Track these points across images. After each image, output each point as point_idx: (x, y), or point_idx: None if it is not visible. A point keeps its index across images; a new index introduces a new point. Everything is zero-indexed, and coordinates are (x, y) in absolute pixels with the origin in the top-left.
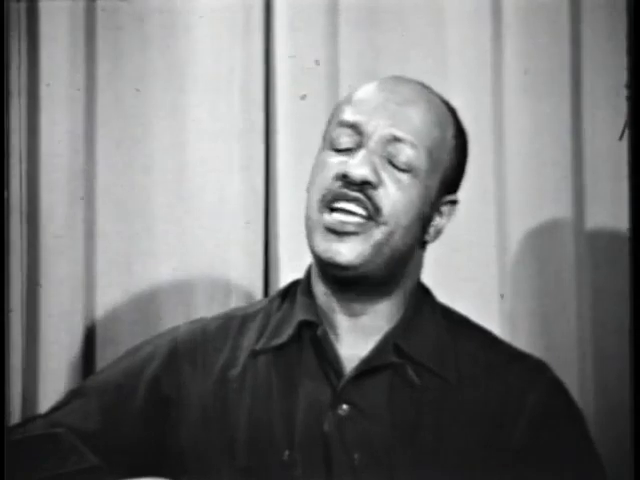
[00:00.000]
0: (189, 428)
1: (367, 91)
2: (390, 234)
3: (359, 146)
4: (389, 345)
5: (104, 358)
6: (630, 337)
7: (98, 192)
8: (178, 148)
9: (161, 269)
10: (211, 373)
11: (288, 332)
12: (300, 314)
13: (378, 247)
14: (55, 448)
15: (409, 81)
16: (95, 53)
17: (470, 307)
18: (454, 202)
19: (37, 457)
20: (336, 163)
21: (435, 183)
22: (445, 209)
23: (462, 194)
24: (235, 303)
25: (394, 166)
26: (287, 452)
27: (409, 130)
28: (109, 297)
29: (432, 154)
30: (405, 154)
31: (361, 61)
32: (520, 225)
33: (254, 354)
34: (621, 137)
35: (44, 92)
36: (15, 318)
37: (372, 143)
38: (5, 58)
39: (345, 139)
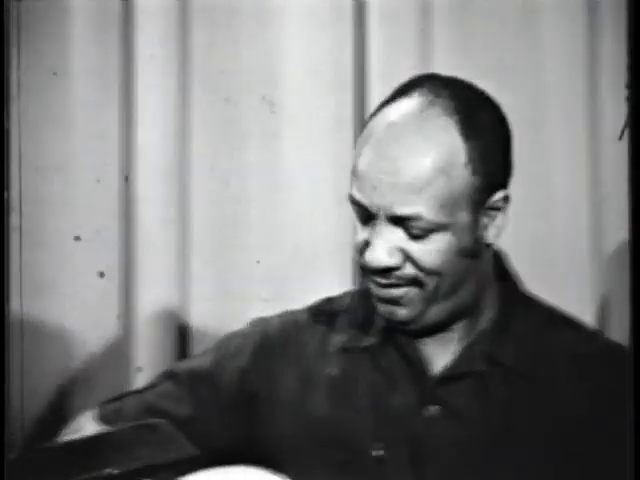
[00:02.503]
0: (277, 421)
1: (365, 160)
2: (441, 280)
3: (374, 218)
4: (477, 351)
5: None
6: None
7: (193, 190)
8: (272, 141)
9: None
10: (300, 367)
11: (374, 334)
12: (384, 319)
13: (434, 296)
14: (155, 438)
15: (403, 122)
16: (190, 48)
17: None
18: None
19: (136, 446)
20: (360, 239)
21: (466, 205)
22: (498, 207)
23: None
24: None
25: (414, 236)
26: (376, 450)
27: (411, 201)
28: (203, 292)
29: (447, 196)
30: (417, 226)
31: (450, 56)
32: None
33: (343, 351)
34: (621, 137)
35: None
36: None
37: (382, 225)
38: (5, 58)
39: (360, 214)
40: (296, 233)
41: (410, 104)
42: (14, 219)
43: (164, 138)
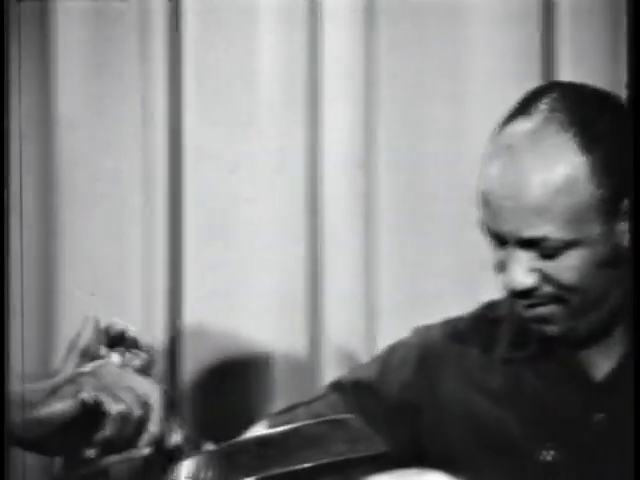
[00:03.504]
0: (443, 430)
1: (486, 185)
2: (583, 294)
3: (505, 241)
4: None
5: None
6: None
7: (381, 183)
8: (456, 136)
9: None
10: (464, 376)
11: (534, 343)
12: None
13: (580, 310)
14: (344, 433)
15: (519, 144)
16: (377, 46)
17: None
18: None
19: (326, 441)
20: (496, 261)
21: (596, 217)
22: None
23: None
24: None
25: (547, 255)
26: (544, 455)
27: (537, 223)
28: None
29: (573, 212)
30: (547, 246)
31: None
32: None
33: (504, 362)
34: None
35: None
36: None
37: (514, 248)
38: (5, 57)
39: (491, 237)
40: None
41: (526, 124)
42: None
43: (350, 135)
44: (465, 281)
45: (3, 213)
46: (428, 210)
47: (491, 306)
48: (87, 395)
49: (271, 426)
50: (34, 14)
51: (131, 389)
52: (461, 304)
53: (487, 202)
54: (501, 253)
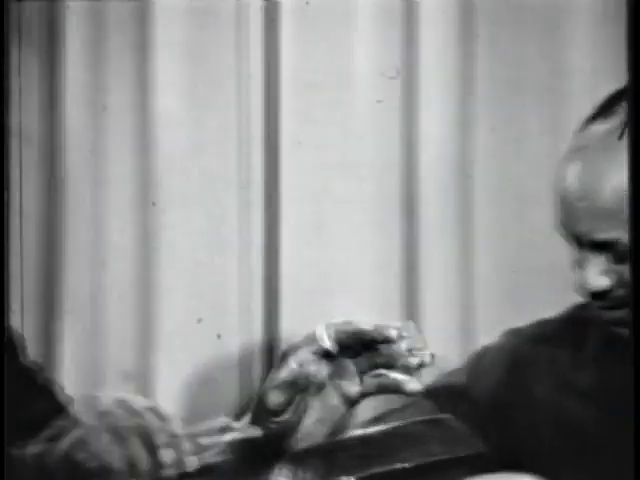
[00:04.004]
0: (534, 431)
1: (562, 186)
2: None
3: (580, 243)
4: None
5: None
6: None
7: (477, 183)
8: (552, 134)
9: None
10: (554, 378)
11: (622, 346)
12: None
13: None
14: (443, 433)
15: (593, 146)
16: (473, 45)
17: None
18: None
19: (425, 441)
20: (573, 261)
21: None
22: None
23: None
24: None
25: (620, 258)
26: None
27: (608, 227)
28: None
29: None
30: (620, 250)
31: None
32: None
33: (595, 363)
34: (620, 137)
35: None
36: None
37: (588, 250)
38: (5, 57)
39: (568, 238)
40: None
41: (603, 126)
42: None
43: (446, 133)
44: (559, 281)
45: (3, 213)
46: (524, 208)
47: (582, 307)
48: None
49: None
50: (132, 13)
51: None
52: (555, 304)
53: (563, 202)
54: (577, 253)
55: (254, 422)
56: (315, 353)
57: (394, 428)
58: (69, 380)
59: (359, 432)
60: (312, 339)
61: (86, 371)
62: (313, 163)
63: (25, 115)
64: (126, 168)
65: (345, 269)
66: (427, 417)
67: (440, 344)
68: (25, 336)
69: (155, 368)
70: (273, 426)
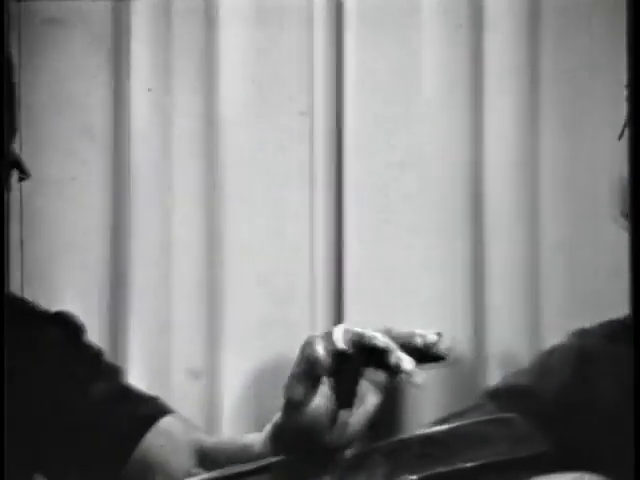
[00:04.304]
0: (599, 431)
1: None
2: None
3: None
4: None
5: None
6: None
7: (544, 182)
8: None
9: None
10: (620, 379)
11: None
12: None
13: None
14: (508, 432)
15: None
16: (540, 45)
17: None
18: None
19: (490, 440)
20: None
21: None
22: None
23: None
24: None
25: None
26: None
27: None
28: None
29: None
30: None
31: None
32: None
33: None
34: (620, 137)
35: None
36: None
37: None
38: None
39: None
40: None
41: None
42: None
43: (513, 133)
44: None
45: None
46: (592, 209)
47: None
48: None
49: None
50: (198, 13)
51: None
52: (623, 304)
53: (623, 192)
54: None
55: (285, 418)
56: (328, 350)
57: (457, 427)
58: (136, 378)
59: (422, 431)
60: (329, 337)
61: (153, 369)
62: (378, 162)
63: (92, 115)
64: (191, 167)
65: (410, 268)
66: (491, 416)
67: (507, 345)
68: (92, 335)
69: (223, 365)
70: (303, 418)
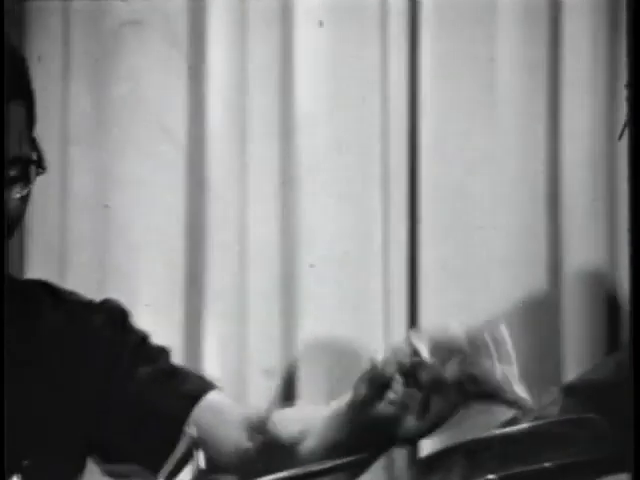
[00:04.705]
0: None
1: None
2: None
3: None
4: None
5: None
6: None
7: (621, 181)
8: None
9: None
10: None
11: None
12: None
13: None
14: (586, 434)
15: None
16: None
17: None
18: None
19: (569, 441)
20: None
21: None
22: None
23: None
24: None
25: None
26: None
27: None
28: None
29: None
30: None
31: None
32: None
33: None
34: (620, 137)
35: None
36: None
37: None
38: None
39: None
40: None
41: None
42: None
43: (590, 130)
44: None
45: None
46: None
47: None
48: None
49: None
50: (274, 13)
51: None
52: None
53: None
54: None
55: (351, 413)
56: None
57: (536, 427)
58: (213, 378)
59: (501, 431)
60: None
61: (230, 369)
62: (454, 160)
63: (171, 116)
64: (269, 167)
65: (484, 267)
66: (570, 416)
67: (584, 342)
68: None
69: (298, 366)
70: (364, 417)
